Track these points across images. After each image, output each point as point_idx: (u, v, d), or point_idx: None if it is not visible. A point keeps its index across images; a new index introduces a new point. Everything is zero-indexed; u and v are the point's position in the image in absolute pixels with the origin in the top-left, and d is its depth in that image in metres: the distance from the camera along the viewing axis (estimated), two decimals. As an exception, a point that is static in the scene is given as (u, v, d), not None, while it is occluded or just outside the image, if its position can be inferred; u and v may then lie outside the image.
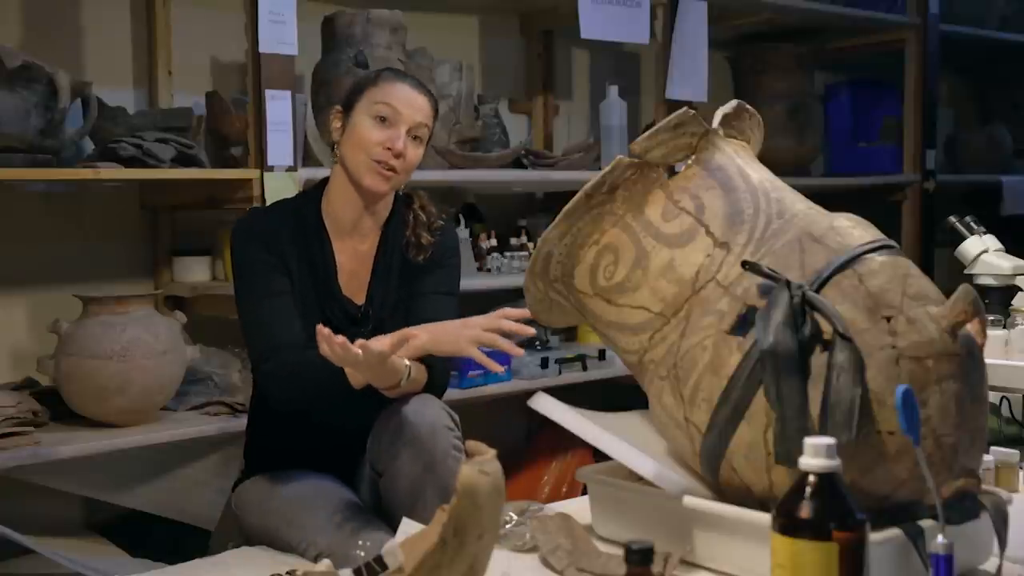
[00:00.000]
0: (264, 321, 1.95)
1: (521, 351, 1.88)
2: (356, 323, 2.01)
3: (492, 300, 3.36)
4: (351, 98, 2.04)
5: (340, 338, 1.72)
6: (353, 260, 2.06)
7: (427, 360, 1.94)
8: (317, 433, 2.04)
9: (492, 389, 2.96)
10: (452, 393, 2.04)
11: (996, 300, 2.36)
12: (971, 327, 1.39)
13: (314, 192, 2.09)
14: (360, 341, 1.74)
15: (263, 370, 1.95)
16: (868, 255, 1.42)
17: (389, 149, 1.97)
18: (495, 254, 3.19)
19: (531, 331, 1.86)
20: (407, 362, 1.88)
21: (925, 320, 1.36)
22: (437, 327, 1.91)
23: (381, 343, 1.79)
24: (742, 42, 4.04)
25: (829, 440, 1.11)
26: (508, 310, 1.89)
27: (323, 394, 1.90)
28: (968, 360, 1.38)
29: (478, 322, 1.87)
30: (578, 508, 1.74)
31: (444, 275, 2.09)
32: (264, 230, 2.00)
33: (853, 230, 1.47)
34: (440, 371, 1.98)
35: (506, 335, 1.86)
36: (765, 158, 1.71)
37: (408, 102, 2.00)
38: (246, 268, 1.99)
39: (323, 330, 1.73)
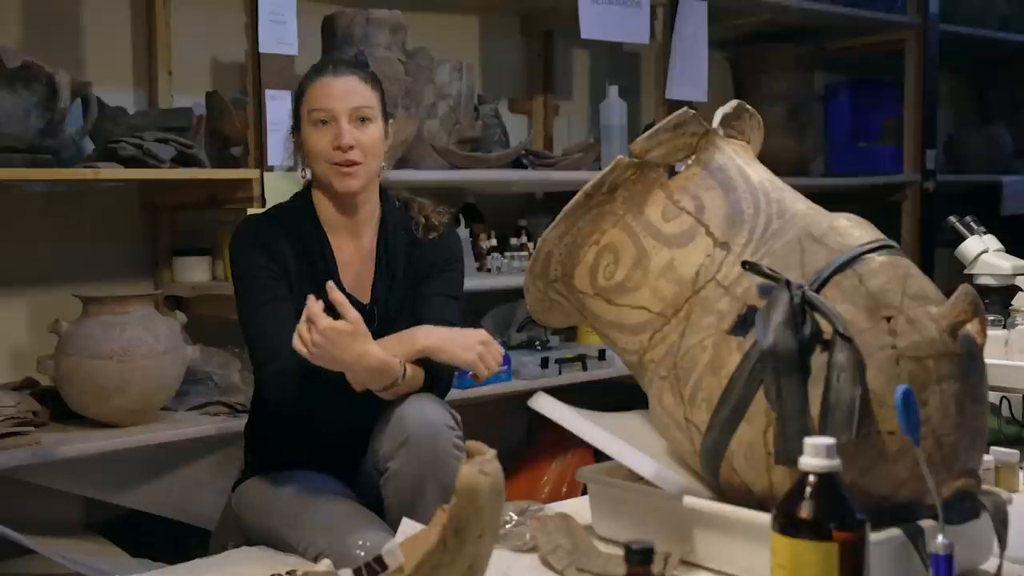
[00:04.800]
0: (264, 327, 1.95)
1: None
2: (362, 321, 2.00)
3: (492, 300, 3.37)
4: (296, 116, 2.07)
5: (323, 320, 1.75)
6: (355, 258, 2.06)
7: (427, 361, 1.94)
8: (317, 433, 2.04)
9: (492, 389, 2.96)
10: (452, 393, 2.04)
11: (996, 300, 2.36)
12: (971, 327, 1.39)
13: (305, 193, 2.09)
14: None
15: (265, 375, 1.95)
16: (868, 255, 1.42)
17: (339, 148, 1.97)
18: (495, 254, 3.18)
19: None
20: (400, 362, 1.88)
21: (925, 320, 1.36)
22: (450, 332, 1.93)
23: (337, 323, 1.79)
24: (742, 42, 4.04)
25: (829, 440, 1.11)
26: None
27: (324, 396, 1.90)
28: (968, 360, 1.38)
29: (491, 346, 1.92)
30: (578, 508, 1.74)
31: (448, 279, 2.09)
32: (262, 237, 2.01)
33: (853, 230, 1.47)
34: (442, 372, 1.99)
35: None
36: (765, 158, 1.71)
37: (334, 94, 1.99)
38: (246, 276, 1.99)
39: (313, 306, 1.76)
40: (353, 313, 1.79)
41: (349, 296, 2.01)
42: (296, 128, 2.07)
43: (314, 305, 1.76)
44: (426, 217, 2.10)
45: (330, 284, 1.80)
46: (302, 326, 1.77)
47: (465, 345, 1.91)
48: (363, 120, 2.00)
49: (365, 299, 2.04)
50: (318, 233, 2.04)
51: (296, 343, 1.78)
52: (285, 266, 1.99)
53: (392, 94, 2.54)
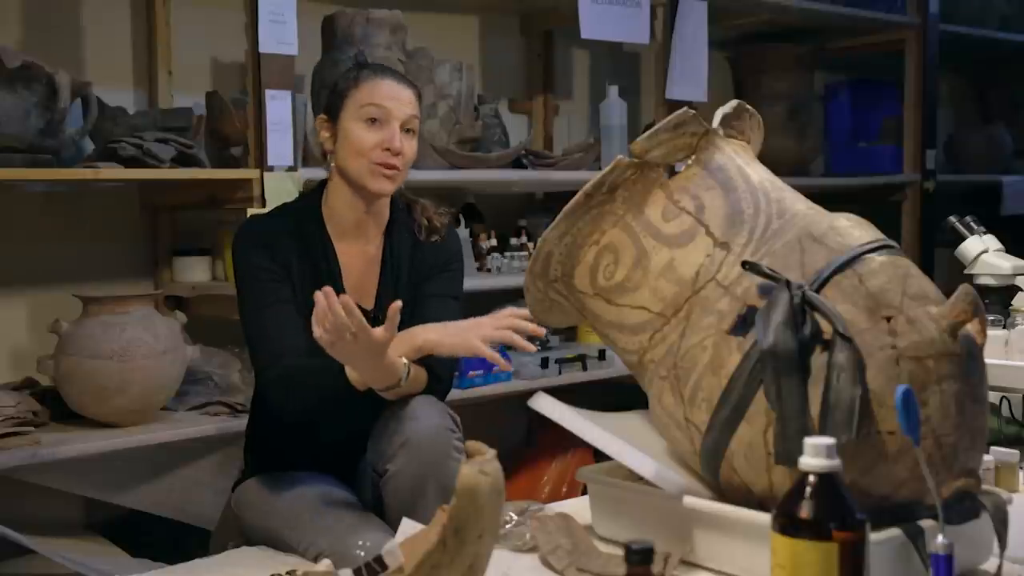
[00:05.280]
0: (266, 329, 1.94)
1: (534, 348, 1.92)
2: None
3: (492, 300, 3.36)
4: (335, 104, 2.03)
5: (344, 299, 1.71)
6: (360, 263, 2.06)
7: (427, 362, 1.94)
8: (318, 434, 2.04)
9: (492, 389, 2.96)
10: (452, 393, 2.04)
11: (996, 300, 2.36)
12: (971, 327, 1.39)
13: (313, 196, 2.09)
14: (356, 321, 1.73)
15: (265, 378, 1.94)
16: (868, 255, 1.42)
17: (388, 149, 1.97)
18: (495, 254, 3.18)
19: (542, 331, 1.87)
20: (406, 362, 1.88)
21: (925, 320, 1.36)
22: (445, 326, 1.92)
23: (376, 332, 1.76)
24: (742, 42, 4.04)
25: (829, 440, 1.11)
26: (514, 309, 1.90)
27: (326, 400, 1.90)
28: (968, 360, 1.38)
29: (487, 322, 1.89)
30: (578, 508, 1.74)
31: (449, 279, 2.10)
32: (266, 237, 2.00)
33: (853, 230, 1.47)
34: (442, 373, 1.98)
35: (518, 334, 1.88)
36: (765, 158, 1.71)
37: (395, 98, 1.99)
38: (248, 276, 1.98)
39: (322, 299, 1.72)
40: (395, 330, 1.77)
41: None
42: (331, 119, 2.04)
43: (358, 312, 1.72)
44: (428, 219, 2.10)
45: (396, 305, 1.75)
46: (324, 318, 1.72)
47: (462, 335, 1.90)
48: (408, 132, 2.01)
49: (368, 305, 2.04)
50: (323, 236, 2.03)
51: (317, 332, 1.74)
52: (288, 267, 1.99)
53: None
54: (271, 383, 1.93)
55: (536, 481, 3.16)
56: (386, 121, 1.98)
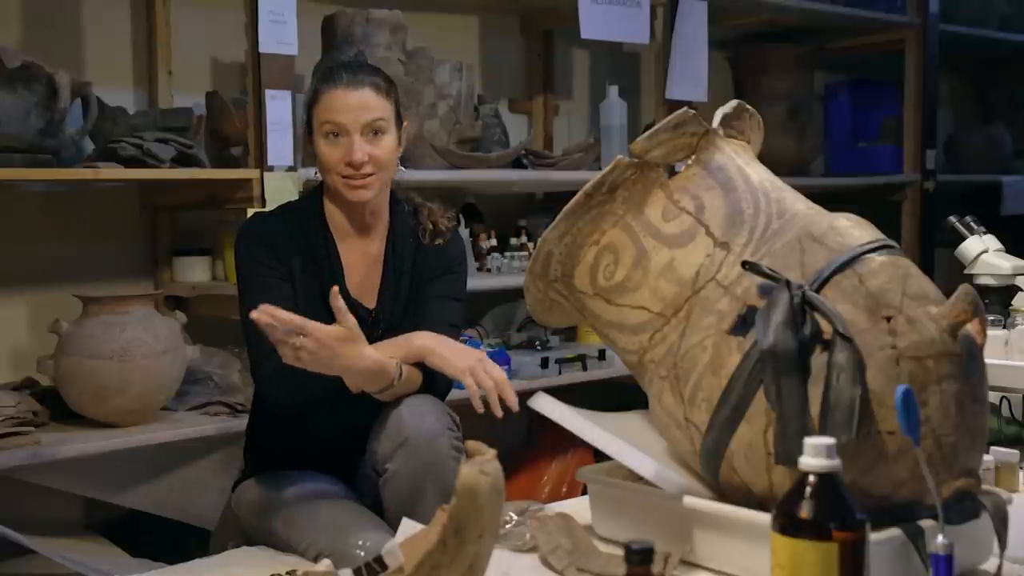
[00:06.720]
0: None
1: (499, 412, 1.87)
2: (367, 326, 1.96)
3: (492, 300, 3.37)
4: (308, 122, 2.03)
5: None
6: (363, 262, 2.05)
7: (423, 363, 1.94)
8: (318, 434, 2.04)
9: (492, 389, 2.95)
10: (452, 393, 2.04)
11: (996, 300, 2.36)
12: (971, 327, 1.39)
13: (316, 194, 2.09)
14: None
15: (260, 373, 1.94)
16: (868, 255, 1.42)
17: (349, 164, 1.95)
18: (495, 254, 3.18)
19: (516, 408, 1.85)
20: (396, 363, 1.88)
21: (925, 320, 1.36)
22: (444, 340, 1.92)
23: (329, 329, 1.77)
24: (742, 42, 4.04)
25: (829, 440, 1.11)
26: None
27: (320, 398, 1.89)
28: (968, 360, 1.38)
29: (485, 361, 1.89)
30: (578, 508, 1.74)
31: (452, 281, 2.09)
32: (268, 235, 2.00)
33: (853, 230, 1.47)
34: (438, 374, 1.98)
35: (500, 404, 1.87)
36: (765, 158, 1.71)
37: (346, 108, 1.95)
38: (249, 272, 1.98)
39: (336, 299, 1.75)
40: (350, 320, 1.78)
41: (354, 301, 2.01)
42: (309, 132, 2.04)
43: (295, 318, 1.73)
44: (434, 223, 2.09)
45: (334, 290, 1.78)
46: (284, 346, 1.74)
47: (459, 354, 1.90)
48: (376, 133, 1.97)
49: (371, 304, 2.04)
50: (325, 236, 2.03)
51: (286, 358, 1.76)
52: (290, 266, 1.99)
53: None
54: (266, 379, 1.93)
55: (536, 481, 3.16)
56: (344, 133, 1.95)
